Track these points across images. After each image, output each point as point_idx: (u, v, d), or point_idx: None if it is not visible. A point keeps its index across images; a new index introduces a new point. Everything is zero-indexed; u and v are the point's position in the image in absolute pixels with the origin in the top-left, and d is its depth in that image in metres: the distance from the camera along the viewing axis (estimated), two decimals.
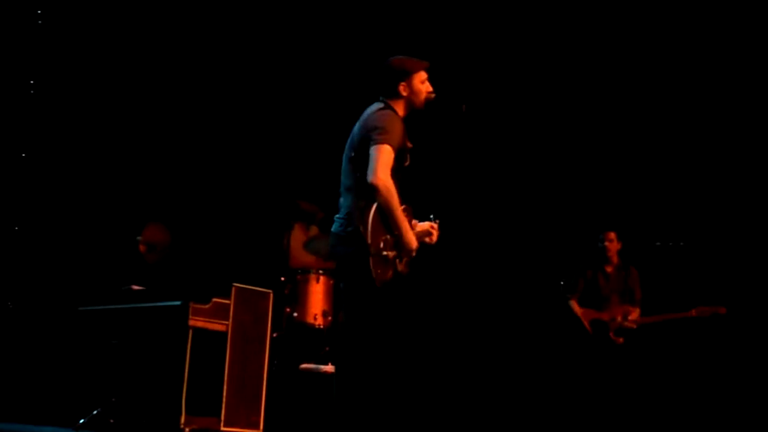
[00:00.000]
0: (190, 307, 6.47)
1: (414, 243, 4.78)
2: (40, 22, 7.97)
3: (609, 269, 7.66)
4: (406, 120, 4.96)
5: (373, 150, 4.68)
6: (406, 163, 4.96)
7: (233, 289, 6.68)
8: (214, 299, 6.59)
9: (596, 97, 8.35)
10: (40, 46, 7.98)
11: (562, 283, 7.74)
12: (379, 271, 4.62)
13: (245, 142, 8.66)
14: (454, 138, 5.19)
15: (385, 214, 4.67)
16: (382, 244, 4.66)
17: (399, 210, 4.69)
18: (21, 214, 7.86)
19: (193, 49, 8.53)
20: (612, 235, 7.65)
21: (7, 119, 7.92)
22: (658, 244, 7.66)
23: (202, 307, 6.54)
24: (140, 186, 8.24)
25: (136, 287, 6.99)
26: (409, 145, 4.89)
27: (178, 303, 6.52)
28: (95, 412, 6.47)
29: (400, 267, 4.78)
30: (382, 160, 4.66)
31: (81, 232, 8.02)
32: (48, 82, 8.03)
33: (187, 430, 6.31)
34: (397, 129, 4.78)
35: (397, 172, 4.81)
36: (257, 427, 6.71)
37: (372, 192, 4.63)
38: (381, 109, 4.88)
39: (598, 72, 8.33)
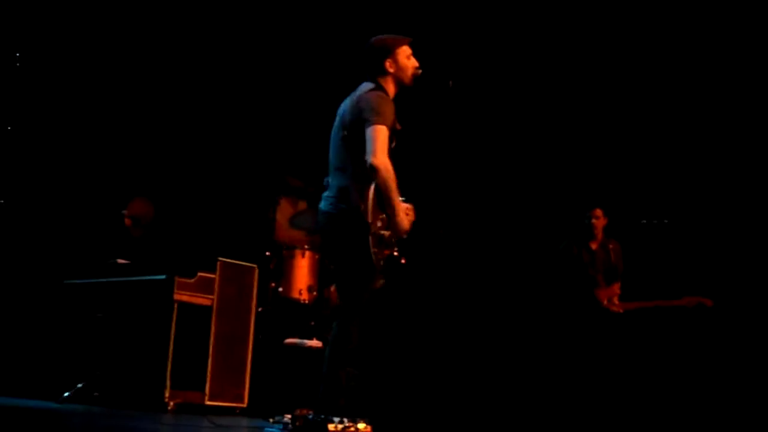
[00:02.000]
0: (176, 281, 6.49)
1: (406, 224, 4.82)
2: None
3: (593, 246, 7.68)
4: (396, 100, 4.99)
5: (370, 131, 4.67)
6: (393, 144, 4.99)
7: (218, 264, 6.70)
8: (200, 273, 6.61)
9: (582, 72, 8.34)
10: (26, 20, 7.93)
11: (560, 247, 7.74)
12: (375, 250, 4.66)
13: (232, 116, 8.63)
14: (440, 114, 5.18)
15: (381, 195, 4.69)
16: (380, 224, 4.71)
17: (396, 191, 4.73)
18: (6, 187, 7.83)
19: (177, 28, 8.48)
20: (599, 212, 7.67)
21: None
22: (643, 221, 7.66)
23: (188, 281, 6.56)
24: (126, 160, 8.21)
25: (121, 261, 6.99)
26: (398, 127, 4.91)
27: (163, 277, 6.54)
28: (80, 385, 6.48)
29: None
30: (380, 140, 4.66)
31: (67, 206, 8.00)
32: (34, 56, 7.98)
33: (171, 403, 6.33)
34: (389, 110, 4.79)
35: (392, 152, 4.86)
36: (242, 401, 6.74)
37: (371, 172, 4.64)
38: (373, 89, 4.86)
39: (584, 49, 8.31)
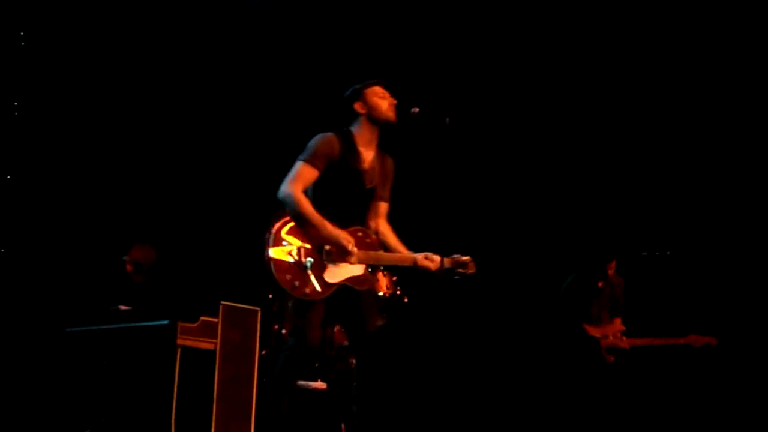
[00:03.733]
0: (178, 326, 6.45)
1: (342, 239, 4.83)
2: (22, 39, 7.94)
3: (600, 284, 7.71)
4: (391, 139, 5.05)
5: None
6: (369, 186, 5.04)
7: (221, 308, 6.67)
8: (202, 318, 6.58)
9: (580, 107, 8.38)
10: (23, 67, 7.96)
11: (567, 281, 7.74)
12: (288, 276, 4.79)
13: (232, 159, 8.65)
14: (438, 152, 5.19)
15: (303, 226, 4.83)
16: (294, 253, 4.81)
17: (311, 214, 4.82)
18: (7, 234, 7.83)
19: (176, 62, 8.51)
20: (614, 264, 7.74)
21: None
22: (644, 254, 7.68)
23: (190, 326, 6.52)
24: (126, 205, 8.21)
25: (123, 307, 6.97)
26: (361, 167, 4.94)
27: (166, 322, 6.51)
28: None
29: (355, 273, 4.90)
30: (291, 174, 4.90)
31: (67, 253, 7.99)
32: (33, 102, 8.01)
33: None
34: (321, 148, 4.93)
35: (351, 194, 4.99)
36: None
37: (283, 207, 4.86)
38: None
39: (581, 86, 8.37)
